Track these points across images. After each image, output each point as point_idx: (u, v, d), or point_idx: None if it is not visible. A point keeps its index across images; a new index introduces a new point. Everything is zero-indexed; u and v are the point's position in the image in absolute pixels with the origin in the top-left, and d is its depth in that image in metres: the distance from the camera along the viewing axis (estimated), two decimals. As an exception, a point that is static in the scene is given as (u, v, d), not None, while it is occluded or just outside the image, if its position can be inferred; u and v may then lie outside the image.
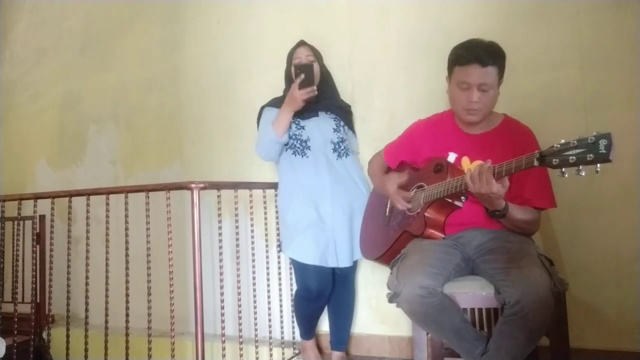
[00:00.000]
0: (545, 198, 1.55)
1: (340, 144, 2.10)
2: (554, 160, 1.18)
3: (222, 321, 1.87)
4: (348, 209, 2.03)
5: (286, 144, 2.06)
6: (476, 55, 1.49)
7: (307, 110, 2.00)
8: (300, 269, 2.00)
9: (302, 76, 1.90)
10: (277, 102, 2.10)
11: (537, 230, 1.60)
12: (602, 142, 1.10)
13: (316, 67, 2.08)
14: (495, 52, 1.52)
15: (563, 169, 1.17)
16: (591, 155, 1.11)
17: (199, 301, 1.74)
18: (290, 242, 2.00)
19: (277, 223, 2.26)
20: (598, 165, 1.11)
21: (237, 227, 2.06)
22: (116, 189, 2.15)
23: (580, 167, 1.14)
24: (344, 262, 2.00)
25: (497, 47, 1.54)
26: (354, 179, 2.11)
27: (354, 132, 2.25)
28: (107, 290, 2.10)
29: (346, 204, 2.03)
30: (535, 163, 1.23)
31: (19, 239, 2.69)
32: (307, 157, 2.04)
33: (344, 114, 2.18)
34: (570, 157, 1.15)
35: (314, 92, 1.91)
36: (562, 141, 1.17)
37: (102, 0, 3.26)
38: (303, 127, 2.07)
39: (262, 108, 2.15)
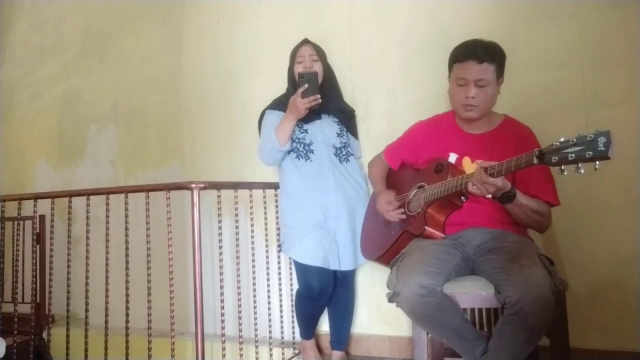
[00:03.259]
0: (550, 193, 1.55)
1: (343, 149, 2.09)
2: (553, 157, 1.18)
3: (222, 321, 1.87)
4: (352, 212, 2.03)
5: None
6: (473, 52, 1.53)
7: (310, 113, 1.98)
8: (302, 268, 2.00)
9: (306, 85, 1.88)
10: (278, 104, 2.10)
11: (550, 226, 1.58)
12: (601, 140, 1.10)
13: (319, 66, 2.06)
14: (493, 50, 1.55)
15: (562, 167, 1.18)
16: (590, 152, 1.12)
17: (199, 301, 1.74)
18: (292, 244, 2.00)
19: (277, 223, 2.26)
20: (597, 162, 1.12)
21: (237, 227, 2.06)
22: (116, 189, 2.15)
23: (580, 164, 1.14)
24: (346, 266, 2.00)
25: (496, 46, 1.57)
26: (358, 182, 2.11)
27: (356, 137, 2.23)
28: (107, 290, 2.09)
29: (350, 207, 2.03)
30: (535, 161, 1.23)
31: (19, 239, 2.69)
32: (311, 160, 2.04)
33: (346, 118, 2.16)
34: (570, 155, 1.15)
35: (317, 101, 1.89)
36: (562, 139, 1.17)
37: (102, 0, 3.26)
38: (306, 131, 2.06)
39: (264, 111, 2.14)
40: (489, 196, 1.43)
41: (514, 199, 1.43)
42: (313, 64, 2.05)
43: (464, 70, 1.55)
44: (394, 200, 1.75)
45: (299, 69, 2.05)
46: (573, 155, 1.14)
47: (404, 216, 1.72)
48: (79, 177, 3.29)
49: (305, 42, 2.10)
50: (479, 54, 1.52)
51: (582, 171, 1.15)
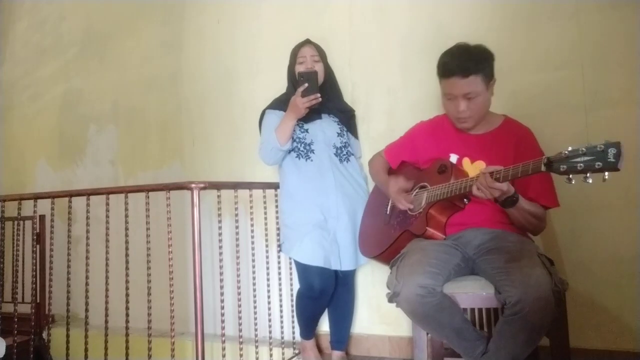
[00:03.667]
0: (549, 197, 1.55)
1: (343, 148, 2.09)
2: (561, 166, 1.17)
3: (222, 321, 1.87)
4: (352, 211, 2.03)
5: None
6: (457, 66, 1.49)
7: (310, 113, 1.99)
8: (303, 268, 2.00)
9: (306, 84, 1.88)
10: (278, 104, 2.09)
11: (544, 228, 1.59)
12: (611, 151, 1.09)
13: (320, 67, 2.06)
14: (478, 58, 1.50)
15: (570, 176, 1.17)
16: (600, 163, 1.10)
17: (199, 301, 1.74)
18: (293, 244, 1.99)
19: (277, 223, 2.26)
20: (606, 173, 1.11)
21: (237, 227, 2.06)
22: (116, 189, 2.15)
23: (588, 174, 1.13)
24: (347, 265, 2.00)
25: (480, 52, 1.52)
26: (358, 182, 2.11)
27: (356, 137, 2.23)
28: (107, 290, 2.09)
29: (350, 207, 2.03)
30: (543, 168, 1.22)
31: (19, 239, 2.69)
32: (311, 160, 2.04)
33: (346, 118, 2.17)
34: (579, 165, 1.14)
35: (317, 100, 1.90)
36: (570, 148, 1.16)
37: (102, 0, 3.26)
38: (307, 130, 2.06)
39: (264, 111, 2.14)
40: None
41: (516, 203, 1.43)
42: (314, 64, 2.05)
43: (450, 86, 1.53)
44: (404, 186, 1.73)
45: (300, 69, 2.04)
46: (582, 165, 1.13)
47: (412, 206, 1.71)
48: (79, 177, 3.29)
49: (307, 42, 2.10)
50: (462, 69, 1.48)
51: (591, 181, 1.13)
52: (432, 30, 2.19)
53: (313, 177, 2.02)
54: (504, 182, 1.34)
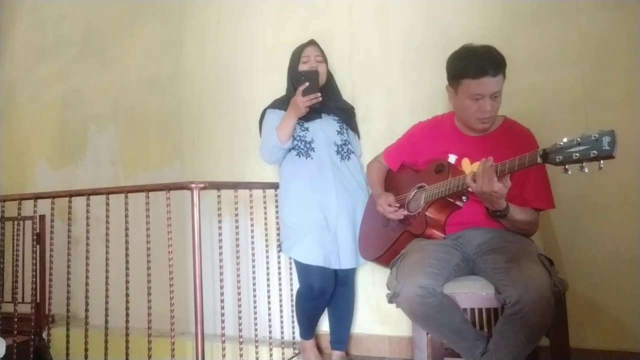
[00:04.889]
0: (545, 199, 1.56)
1: (344, 146, 2.10)
2: (557, 157, 1.18)
3: (222, 321, 1.87)
4: (352, 210, 2.03)
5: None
6: (486, 67, 1.48)
7: (310, 112, 1.99)
8: (303, 268, 2.00)
9: (307, 84, 1.89)
10: (279, 104, 2.10)
11: (536, 231, 1.60)
12: (606, 139, 1.10)
13: (323, 68, 2.07)
14: (500, 59, 1.52)
15: (566, 166, 1.17)
16: (595, 151, 1.11)
17: (199, 301, 1.74)
18: (293, 243, 1.99)
19: (277, 223, 2.26)
20: (601, 161, 1.12)
21: (237, 227, 2.06)
22: (116, 189, 2.15)
23: (584, 163, 1.14)
24: (346, 264, 2.00)
25: (499, 53, 1.54)
26: (358, 181, 2.11)
27: (356, 134, 2.23)
28: (107, 290, 2.10)
29: (350, 205, 2.03)
30: (539, 160, 1.23)
31: (19, 239, 2.69)
32: (311, 158, 2.04)
33: (346, 116, 2.17)
34: (574, 154, 1.15)
35: (318, 99, 1.90)
36: (565, 139, 1.17)
37: (102, 0, 3.26)
38: (307, 129, 2.07)
39: (265, 110, 2.14)
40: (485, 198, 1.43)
41: (505, 216, 1.45)
42: (318, 64, 2.05)
43: (479, 86, 1.50)
44: (394, 202, 1.75)
45: (303, 68, 2.05)
46: (577, 154, 1.14)
47: (402, 216, 1.71)
48: (79, 177, 3.29)
49: (312, 42, 2.10)
50: (492, 69, 1.48)
51: (586, 170, 1.14)
52: (432, 30, 2.19)
53: (313, 175, 2.03)
54: (501, 175, 1.33)
